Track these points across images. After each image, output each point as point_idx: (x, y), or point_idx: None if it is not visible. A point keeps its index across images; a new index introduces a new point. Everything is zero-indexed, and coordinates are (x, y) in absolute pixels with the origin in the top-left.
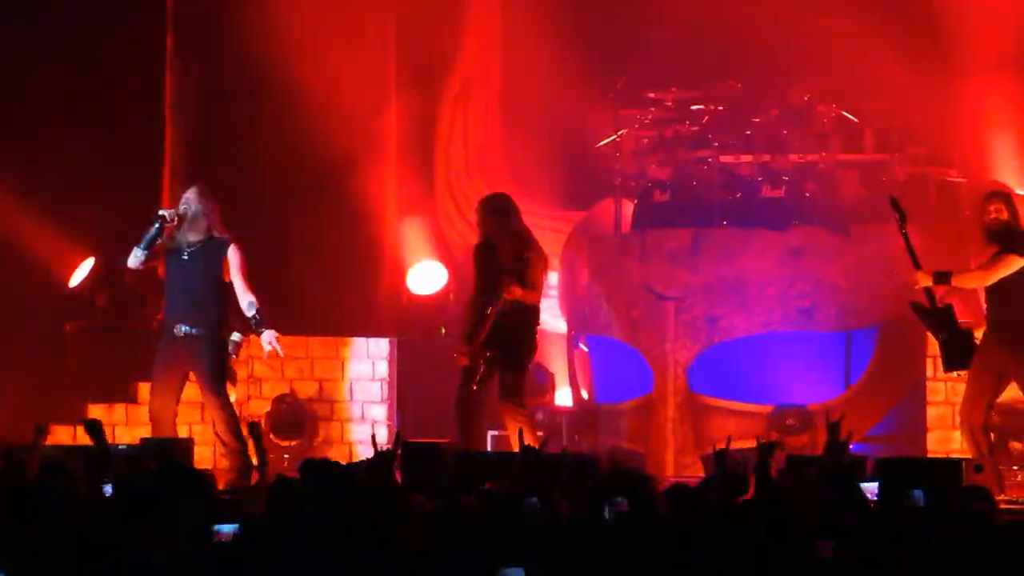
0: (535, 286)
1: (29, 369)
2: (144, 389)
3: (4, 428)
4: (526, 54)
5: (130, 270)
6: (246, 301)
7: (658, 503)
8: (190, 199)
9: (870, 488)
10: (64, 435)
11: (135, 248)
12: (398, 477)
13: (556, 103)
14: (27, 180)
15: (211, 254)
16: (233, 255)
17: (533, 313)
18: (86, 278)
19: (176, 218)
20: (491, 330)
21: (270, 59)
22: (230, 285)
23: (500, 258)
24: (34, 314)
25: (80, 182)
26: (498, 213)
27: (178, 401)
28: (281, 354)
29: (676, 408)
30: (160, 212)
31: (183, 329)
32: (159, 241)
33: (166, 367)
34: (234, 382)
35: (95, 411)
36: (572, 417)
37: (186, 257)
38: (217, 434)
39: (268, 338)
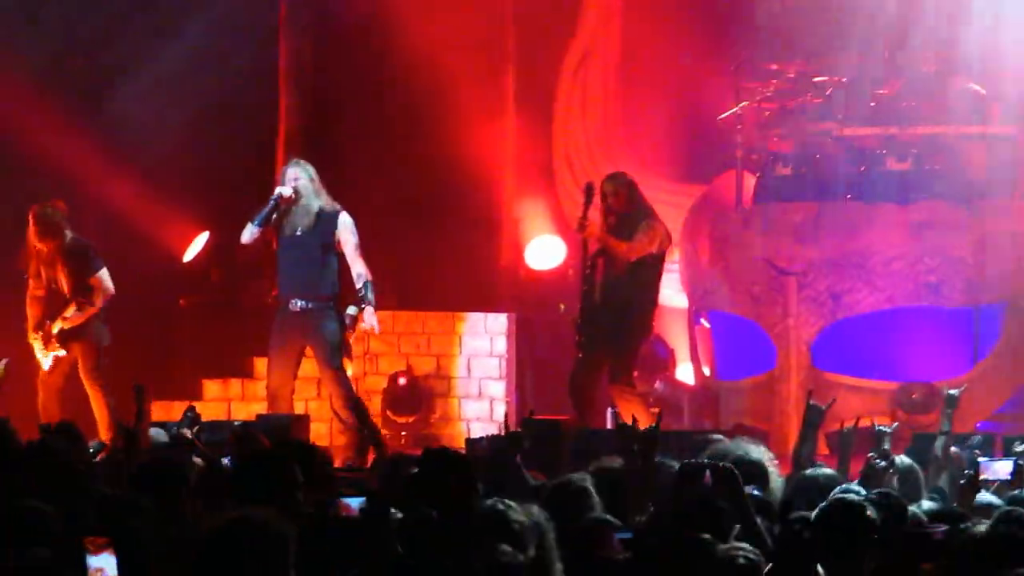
0: (640, 244)
1: (144, 345)
2: (260, 364)
3: (120, 403)
4: (646, 26)
5: (243, 245)
6: (355, 272)
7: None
8: (297, 175)
9: (1003, 467)
10: (179, 412)
11: (249, 224)
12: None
13: (676, 75)
14: (141, 155)
15: (323, 227)
16: (344, 225)
17: (646, 290)
18: (200, 253)
19: (291, 196)
20: (601, 303)
21: (384, 30)
22: (344, 257)
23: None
24: (149, 289)
25: (193, 156)
26: (626, 188)
27: (295, 377)
28: (377, 331)
29: (799, 385)
30: (277, 190)
31: (299, 304)
32: (273, 218)
33: (282, 342)
34: (351, 357)
35: (211, 387)
36: (693, 394)
37: (299, 232)
38: (334, 410)
39: (369, 314)
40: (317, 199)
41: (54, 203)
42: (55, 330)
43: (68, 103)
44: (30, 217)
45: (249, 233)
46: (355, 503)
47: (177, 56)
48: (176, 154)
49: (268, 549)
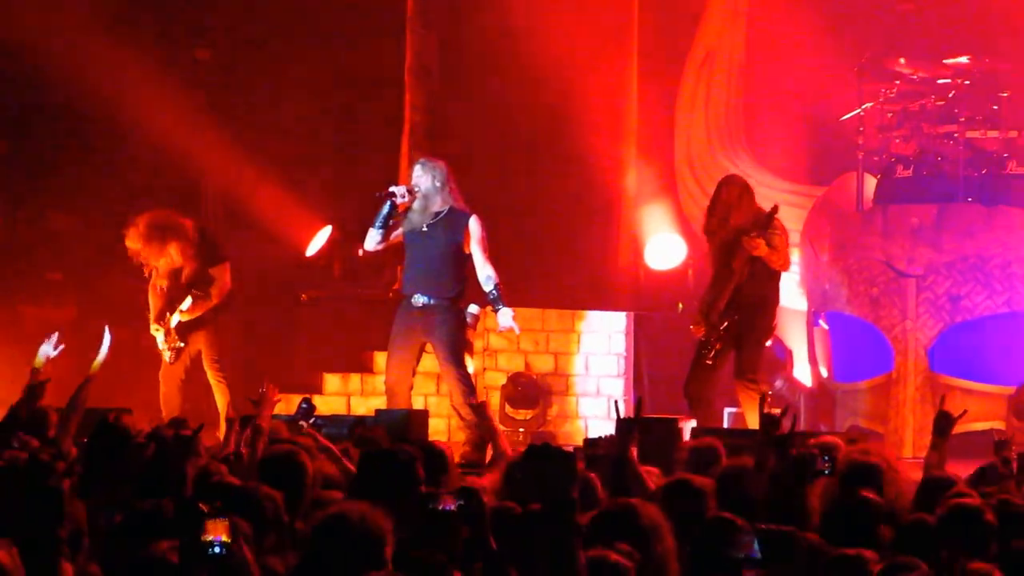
0: (778, 249)
1: (265, 338)
2: (379, 359)
3: (240, 397)
4: (770, 25)
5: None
6: (484, 275)
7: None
8: (419, 174)
9: None
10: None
11: (370, 229)
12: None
13: (799, 75)
14: (265, 149)
15: (451, 226)
16: (474, 227)
17: (773, 288)
18: (323, 247)
19: (408, 194)
20: (730, 302)
21: (508, 30)
22: (469, 257)
23: (734, 231)
24: (271, 283)
25: (318, 151)
26: (746, 192)
27: (414, 372)
28: (518, 331)
29: (916, 388)
30: (391, 189)
31: (421, 300)
32: (393, 219)
33: (403, 338)
34: (471, 353)
35: (330, 381)
36: (810, 396)
37: (425, 229)
38: (454, 406)
39: (506, 316)
40: (441, 198)
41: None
42: (172, 323)
43: (196, 97)
44: (138, 241)
45: (371, 239)
46: (447, 499)
47: (303, 51)
48: (300, 149)
49: (364, 543)
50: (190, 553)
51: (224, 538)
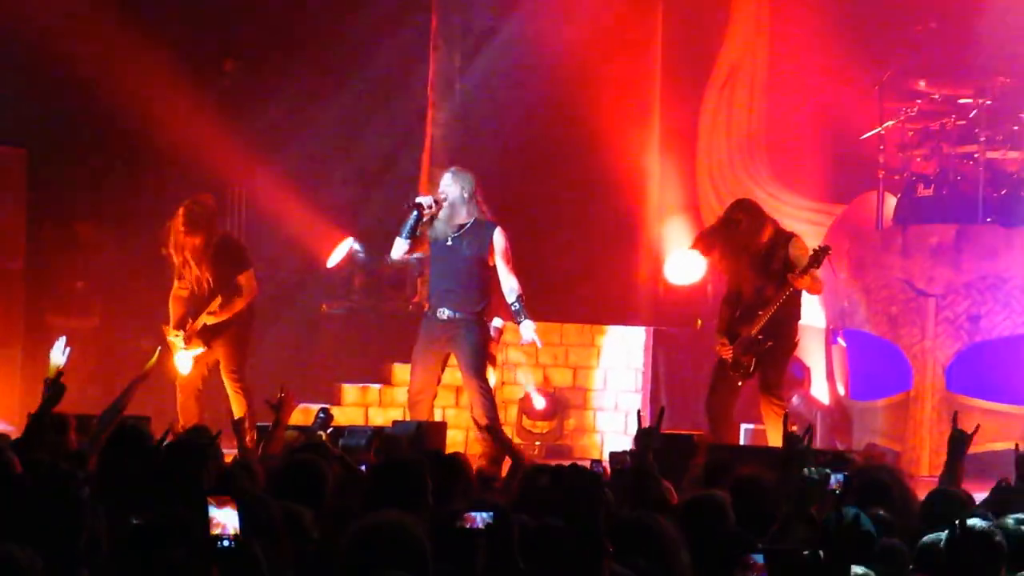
0: (818, 280)
1: (286, 348)
2: (399, 371)
3: (260, 406)
4: (792, 43)
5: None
6: (507, 287)
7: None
8: (448, 183)
9: None
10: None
11: (397, 238)
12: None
13: (821, 93)
14: (289, 160)
15: (476, 238)
16: (498, 239)
17: (797, 304)
18: (344, 259)
19: (435, 204)
20: (763, 327)
21: (531, 45)
22: (495, 270)
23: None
24: (292, 293)
25: (340, 162)
26: (763, 216)
27: (438, 383)
28: (540, 346)
29: (933, 407)
30: (417, 200)
31: (446, 313)
32: (420, 228)
33: (427, 350)
34: (495, 366)
35: (349, 392)
36: (828, 413)
37: (450, 242)
38: (474, 419)
39: (528, 329)
40: (467, 209)
41: (204, 198)
42: (199, 325)
43: (222, 105)
44: (180, 212)
45: (398, 248)
46: (481, 517)
47: (328, 64)
48: (323, 160)
49: (411, 553)
50: (200, 548)
51: (233, 532)
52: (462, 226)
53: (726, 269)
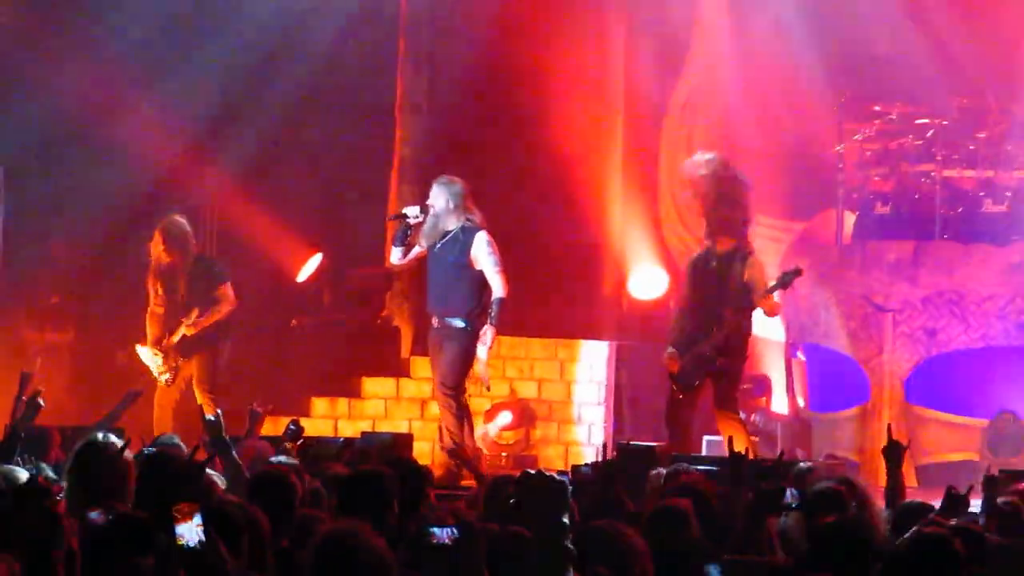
0: (778, 302)
1: (256, 362)
2: (367, 384)
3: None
4: (753, 64)
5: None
6: (493, 288)
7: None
8: (435, 193)
9: None
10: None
11: (392, 247)
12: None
13: (780, 114)
14: (259, 178)
15: (459, 245)
16: (478, 242)
17: (749, 319)
18: (313, 274)
19: (421, 214)
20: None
21: (496, 66)
22: (483, 275)
23: (721, 271)
24: (262, 308)
25: (310, 181)
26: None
27: None
28: (488, 387)
29: (892, 419)
30: (403, 210)
31: (435, 320)
32: (409, 236)
33: (432, 357)
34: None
35: (319, 404)
36: (787, 425)
37: (437, 249)
38: (441, 428)
39: (486, 340)
40: (453, 217)
41: (178, 218)
42: (176, 337)
43: (196, 128)
44: (157, 232)
45: (394, 255)
46: (447, 532)
47: (298, 85)
48: (293, 179)
49: (373, 564)
50: (166, 552)
51: (198, 535)
52: (446, 234)
53: (687, 280)
